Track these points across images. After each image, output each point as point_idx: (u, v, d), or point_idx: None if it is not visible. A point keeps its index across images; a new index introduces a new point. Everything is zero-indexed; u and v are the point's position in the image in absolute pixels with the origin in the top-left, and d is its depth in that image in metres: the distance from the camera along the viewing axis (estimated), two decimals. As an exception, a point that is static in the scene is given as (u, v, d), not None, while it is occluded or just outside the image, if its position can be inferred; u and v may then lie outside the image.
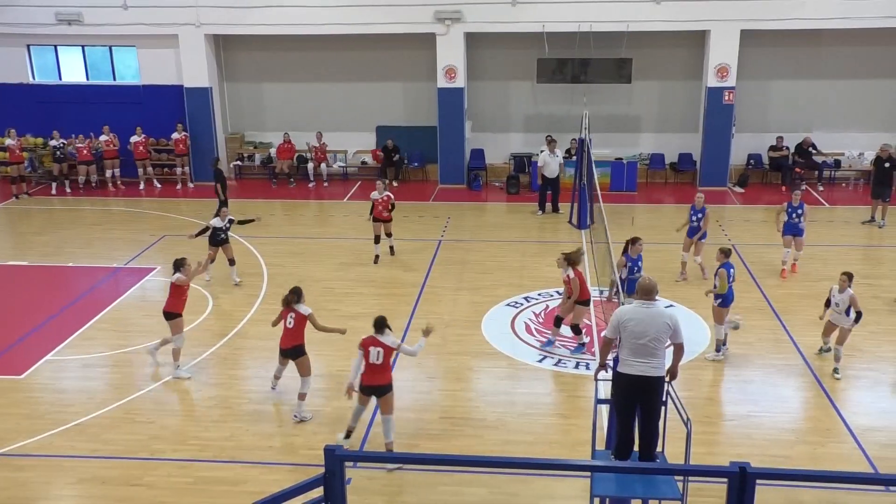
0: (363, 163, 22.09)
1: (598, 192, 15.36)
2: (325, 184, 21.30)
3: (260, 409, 10.14)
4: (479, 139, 21.47)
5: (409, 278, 14.48)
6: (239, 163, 22.26)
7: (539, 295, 13.55)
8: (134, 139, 20.75)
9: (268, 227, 17.94)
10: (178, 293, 10.74)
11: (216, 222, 13.24)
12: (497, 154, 21.57)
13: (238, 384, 10.88)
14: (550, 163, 18.13)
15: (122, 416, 10.02)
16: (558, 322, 11.60)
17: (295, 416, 9.95)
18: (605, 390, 8.40)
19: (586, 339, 11.68)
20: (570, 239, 16.71)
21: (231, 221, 13.73)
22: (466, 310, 12.94)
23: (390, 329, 9.08)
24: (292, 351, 10.01)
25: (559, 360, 11.30)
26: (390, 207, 14.99)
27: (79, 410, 10.15)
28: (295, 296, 10.02)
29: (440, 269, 14.93)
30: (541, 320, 12.56)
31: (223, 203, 17.71)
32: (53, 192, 20.51)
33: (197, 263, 11.27)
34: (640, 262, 11.72)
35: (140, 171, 20.98)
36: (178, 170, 20.82)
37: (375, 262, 14.49)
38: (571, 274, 11.12)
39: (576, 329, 11.54)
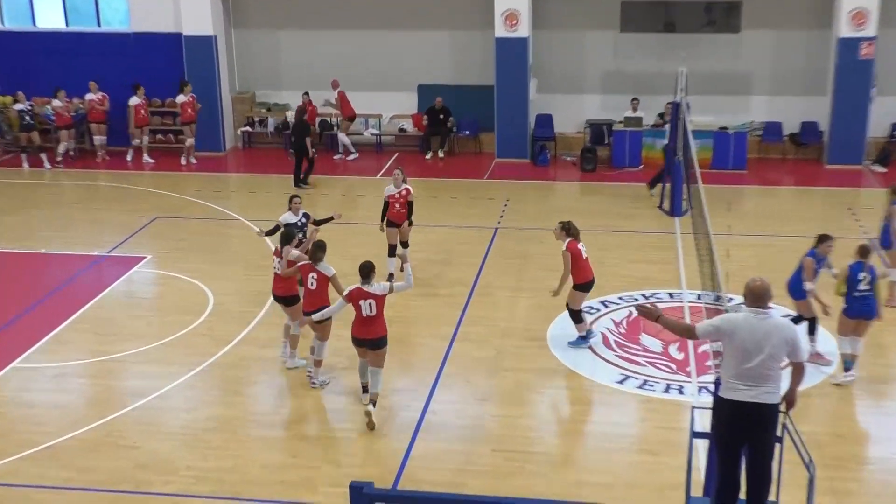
0: (401, 130, 22.13)
1: (697, 169, 15.14)
2: (352, 156, 21.36)
3: (270, 435, 10.19)
4: (547, 102, 21.38)
5: (456, 275, 14.45)
6: (248, 129, 22.50)
7: (620, 298, 13.43)
8: (134, 101, 20.96)
9: (282, 207, 17.97)
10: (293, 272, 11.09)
11: (287, 217, 12.43)
12: (569, 121, 21.47)
13: (243, 402, 10.96)
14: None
15: (103, 439, 10.15)
16: (575, 315, 11.87)
17: (313, 383, 10.89)
18: (705, 422, 8.23)
19: (595, 335, 11.97)
20: (660, 228, 16.56)
21: (307, 217, 12.69)
22: (528, 316, 12.85)
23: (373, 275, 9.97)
24: (314, 314, 10.54)
25: (645, 382, 11.17)
26: (407, 207, 13.78)
27: (51, 430, 10.30)
28: (320, 252, 10.55)
29: (496, 264, 14.89)
30: (622, 331, 12.43)
31: (310, 165, 18.68)
32: (25, 165, 20.87)
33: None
34: (825, 264, 11.31)
35: (137, 140, 21.23)
36: (189, 140, 20.97)
37: (389, 279, 13.92)
38: (564, 247, 11.52)
39: (575, 316, 11.76)
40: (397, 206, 13.78)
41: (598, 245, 15.67)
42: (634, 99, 20.63)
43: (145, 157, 21.08)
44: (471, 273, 14.46)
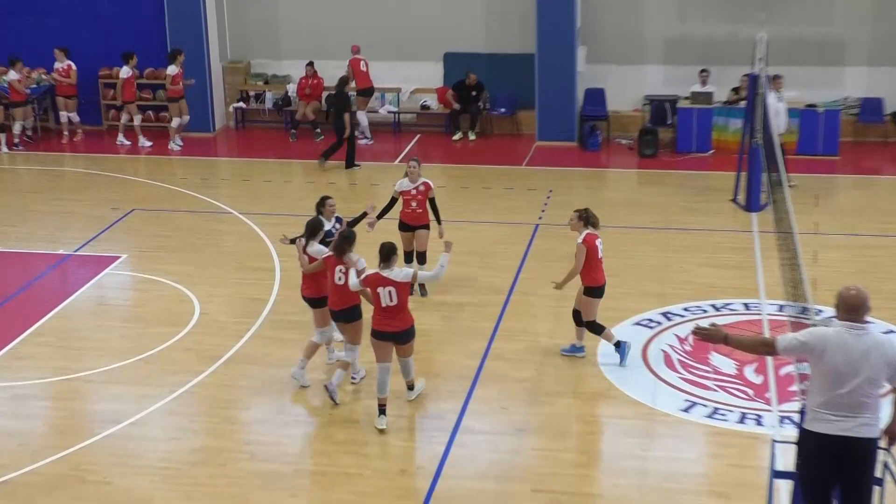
0: (424, 107, 22.15)
1: (780, 155, 15.04)
2: (366, 140, 21.41)
3: (266, 470, 10.22)
4: (599, 74, 21.34)
5: (488, 281, 14.46)
6: (242, 105, 22.61)
7: (686, 310, 13.38)
8: (125, 73, 21.02)
9: (281, 198, 18.28)
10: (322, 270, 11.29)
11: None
12: (624, 97, 21.44)
13: (235, 431, 10.99)
14: (781, 110, 17.72)
15: (68, 473, 10.19)
16: (578, 319, 11.98)
17: (352, 379, 11.46)
18: (788, 459, 8.16)
19: (623, 358, 11.94)
20: (734, 225, 16.50)
21: (339, 221, 12.40)
22: (574, 330, 12.82)
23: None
24: (344, 314, 11.02)
25: (715, 410, 11.11)
26: (429, 206, 13.49)
27: (6, 463, 10.36)
28: (347, 243, 10.86)
29: (536, 267, 14.87)
30: (688, 348, 12.38)
31: (336, 145, 19.21)
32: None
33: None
34: None
35: (127, 117, 21.36)
36: (177, 120, 21.08)
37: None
38: (580, 240, 11.61)
39: (594, 327, 11.88)
40: (413, 204, 13.46)
41: (659, 246, 15.63)
42: (703, 70, 20.52)
43: (141, 139, 21.20)
44: (506, 279, 14.43)
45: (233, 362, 12.24)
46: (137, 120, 21.29)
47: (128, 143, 21.29)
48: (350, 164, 19.63)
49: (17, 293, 14.35)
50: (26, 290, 14.45)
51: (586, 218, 11.78)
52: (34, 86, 21.56)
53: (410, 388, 11.15)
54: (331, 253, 11.08)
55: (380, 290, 10.45)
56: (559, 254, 15.28)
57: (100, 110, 22.29)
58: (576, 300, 12.11)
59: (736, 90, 20.15)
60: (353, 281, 10.73)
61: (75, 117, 21.67)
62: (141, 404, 11.28)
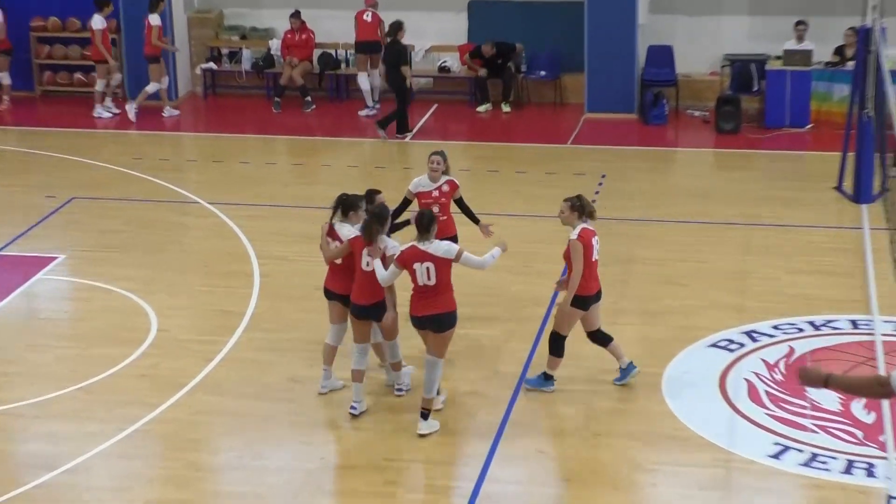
0: (443, 69, 22.12)
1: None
2: (371, 111, 21.39)
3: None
4: (665, 27, 21.42)
5: (524, 289, 14.44)
6: (212, 66, 22.64)
7: (776, 328, 13.34)
8: (99, 24, 21.05)
9: (262, 184, 18.29)
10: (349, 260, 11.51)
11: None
12: (698, 56, 21.53)
13: (201, 480, 10.97)
14: None
15: (-13, 534, 10.22)
16: (600, 337, 12.10)
17: (398, 390, 11.86)
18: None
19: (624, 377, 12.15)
20: (839, 220, 16.49)
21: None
22: (633, 351, 12.75)
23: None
24: (372, 309, 11.29)
25: (814, 457, 11.04)
26: (460, 208, 13.24)
27: None
28: (378, 222, 11.13)
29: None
30: (779, 377, 12.30)
31: (400, 108, 19.58)
32: None
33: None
34: None
35: (102, 83, 21.55)
36: (154, 86, 21.24)
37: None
38: (575, 235, 11.63)
39: (556, 344, 11.95)
40: (435, 209, 12.47)
41: (740, 246, 15.57)
42: (800, 23, 20.45)
43: (129, 108, 21.37)
44: (546, 288, 14.33)
45: (199, 392, 12.19)
46: (116, 80, 21.55)
47: (108, 114, 21.47)
48: (402, 129, 19.94)
49: (-73, 303, 14.43)
50: (-62, 300, 14.52)
51: (580, 208, 11.73)
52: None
53: (425, 415, 11.33)
54: (358, 234, 11.28)
55: (416, 266, 10.85)
56: (613, 255, 15.20)
57: (31, 72, 22.34)
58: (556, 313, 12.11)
59: (840, 49, 20.04)
60: (382, 274, 11.00)
61: (6, 78, 21.75)
62: (82, 445, 11.24)
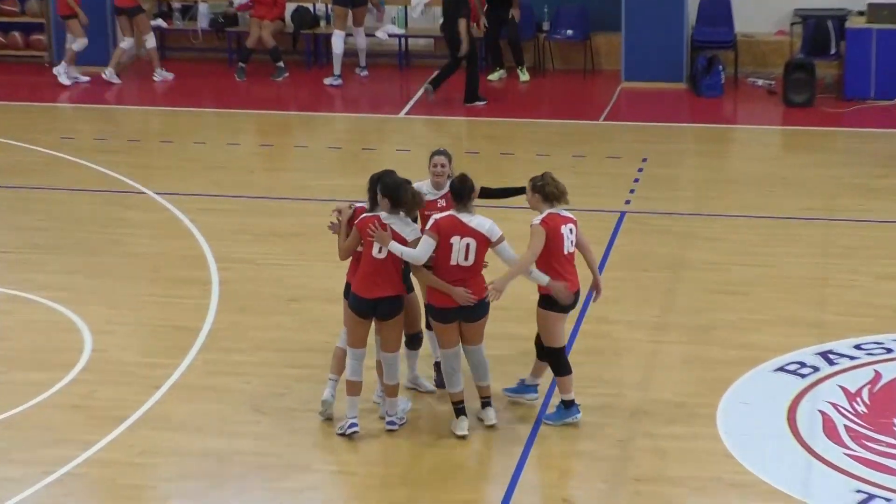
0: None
1: None
2: (336, 80, 21.44)
3: None
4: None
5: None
6: (161, 23, 22.64)
7: (858, 348, 13.34)
8: None
9: (222, 170, 18.29)
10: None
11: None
12: (761, 13, 21.65)
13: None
14: None
15: None
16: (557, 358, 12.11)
17: (391, 423, 11.79)
18: None
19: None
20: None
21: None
22: (681, 378, 12.81)
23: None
24: (384, 304, 11.46)
25: (905, 507, 11.02)
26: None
27: None
28: (393, 197, 11.34)
29: (622, 279, 14.97)
30: (861, 408, 12.29)
31: (471, 71, 20.01)
32: None
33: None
34: None
35: (80, 40, 21.73)
36: (80, 43, 21.37)
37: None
38: (537, 220, 11.73)
39: (558, 362, 12.02)
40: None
41: (815, 246, 15.59)
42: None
43: (109, 73, 21.64)
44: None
45: (143, 427, 12.13)
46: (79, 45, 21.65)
47: (84, 78, 21.62)
48: (471, 97, 20.21)
49: None
50: None
51: (542, 189, 11.82)
52: None
53: (487, 402, 11.82)
54: (370, 214, 11.47)
55: (454, 240, 11.21)
56: (657, 258, 15.28)
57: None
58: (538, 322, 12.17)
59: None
60: (412, 251, 11.29)
61: None
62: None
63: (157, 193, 17.31)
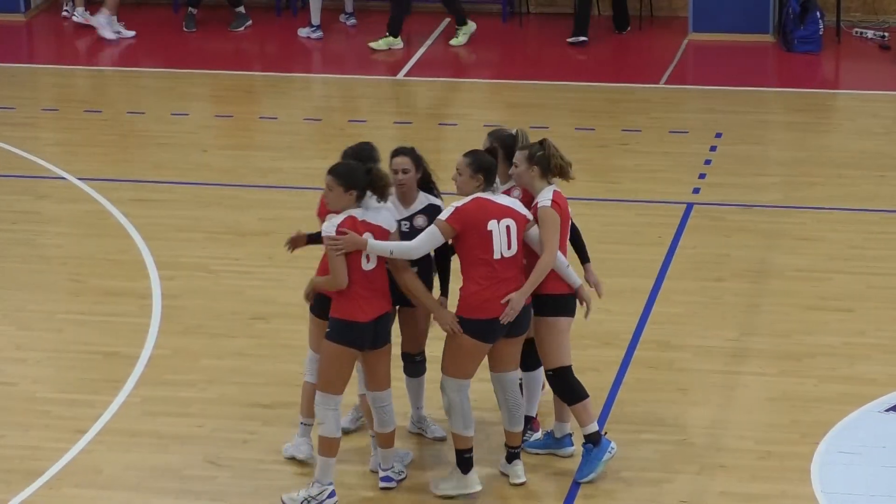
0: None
1: None
2: (315, 32, 21.56)
3: None
4: None
5: (597, 306, 14.53)
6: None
7: None
8: None
9: (166, 150, 18.30)
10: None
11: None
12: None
13: None
14: None
15: None
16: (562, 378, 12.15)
17: (386, 479, 11.85)
18: None
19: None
20: None
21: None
22: (767, 419, 12.92)
23: None
24: (382, 323, 11.63)
25: None
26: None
27: None
28: (346, 184, 11.46)
29: (689, 288, 15.17)
30: None
31: None
32: None
33: None
34: None
35: None
36: None
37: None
38: (547, 201, 11.85)
39: (563, 385, 12.09)
40: None
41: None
42: None
43: (98, 20, 21.78)
44: (626, 315, 14.62)
45: (65, 484, 12.17)
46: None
47: (129, 33, 21.84)
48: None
49: None
50: None
51: (544, 160, 11.92)
52: None
53: (514, 454, 11.86)
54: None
55: (492, 225, 11.33)
56: (739, 263, 15.36)
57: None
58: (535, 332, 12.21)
59: None
60: (408, 244, 11.56)
61: None
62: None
63: (80, 179, 17.34)
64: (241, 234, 15.85)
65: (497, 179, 11.64)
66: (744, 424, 12.73)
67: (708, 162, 17.59)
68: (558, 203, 11.78)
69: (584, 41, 20.97)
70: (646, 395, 13.29)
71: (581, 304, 11.88)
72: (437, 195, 12.17)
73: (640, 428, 12.75)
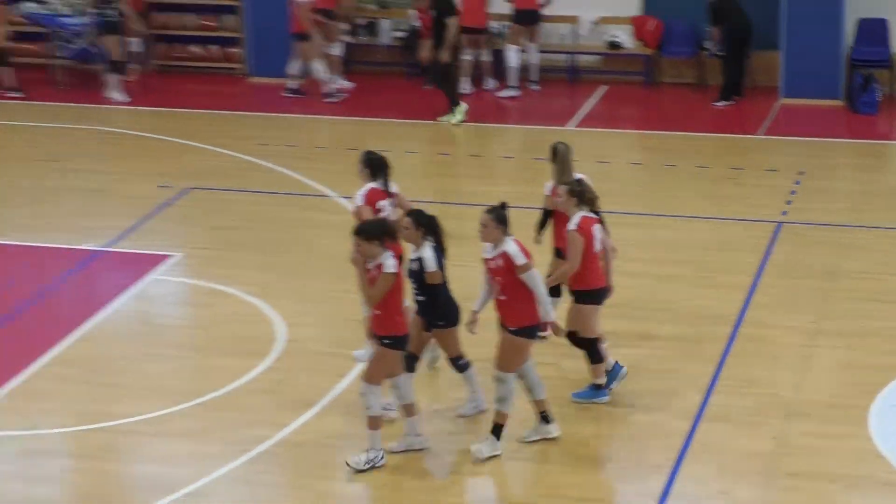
0: (614, 45, 22.20)
1: None
2: (514, 91, 21.47)
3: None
4: (878, -2, 21.22)
5: (706, 304, 14.49)
6: (347, 39, 22.80)
7: None
8: None
9: (398, 176, 18.29)
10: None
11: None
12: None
13: (333, 511, 11.17)
14: None
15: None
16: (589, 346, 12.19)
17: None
18: None
19: (609, 383, 12.32)
20: None
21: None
22: (835, 379, 12.76)
23: None
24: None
25: None
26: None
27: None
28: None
29: (778, 286, 14.91)
30: None
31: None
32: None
33: None
34: None
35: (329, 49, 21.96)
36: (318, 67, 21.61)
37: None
38: (573, 225, 11.81)
39: (583, 344, 12.12)
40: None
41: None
42: None
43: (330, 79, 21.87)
44: (732, 303, 14.44)
45: (331, 413, 12.30)
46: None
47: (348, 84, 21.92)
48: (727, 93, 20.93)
49: (29, 305, 14.82)
50: (40, 302, 14.95)
51: (580, 194, 11.97)
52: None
53: (547, 416, 11.68)
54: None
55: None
56: (812, 267, 15.20)
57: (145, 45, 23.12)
58: (568, 317, 12.19)
59: None
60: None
61: (138, 46, 22.42)
62: (201, 467, 11.47)
63: (344, 197, 17.40)
64: (458, 238, 15.62)
65: None
66: (818, 383, 12.67)
67: (793, 192, 17.45)
68: (582, 227, 11.83)
69: (730, 104, 20.83)
70: (747, 360, 13.25)
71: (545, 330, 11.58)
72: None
73: (743, 384, 12.71)
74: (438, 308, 11.56)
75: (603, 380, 12.25)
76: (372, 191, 12.75)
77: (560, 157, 12.98)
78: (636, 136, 19.87)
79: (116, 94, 21.56)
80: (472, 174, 18.72)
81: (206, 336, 14.11)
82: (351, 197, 13.28)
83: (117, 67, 21.65)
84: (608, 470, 11.49)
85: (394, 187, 12.96)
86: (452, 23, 19.85)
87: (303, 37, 21.43)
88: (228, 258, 15.90)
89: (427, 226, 11.51)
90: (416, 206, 12.28)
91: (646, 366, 13.08)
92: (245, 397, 12.72)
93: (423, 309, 11.60)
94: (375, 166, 12.89)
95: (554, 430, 11.53)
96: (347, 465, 11.15)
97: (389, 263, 10.92)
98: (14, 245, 16.54)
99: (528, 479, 11.31)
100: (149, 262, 15.73)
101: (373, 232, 10.99)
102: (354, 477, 11.20)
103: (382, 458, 11.19)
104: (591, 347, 12.14)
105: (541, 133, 19.95)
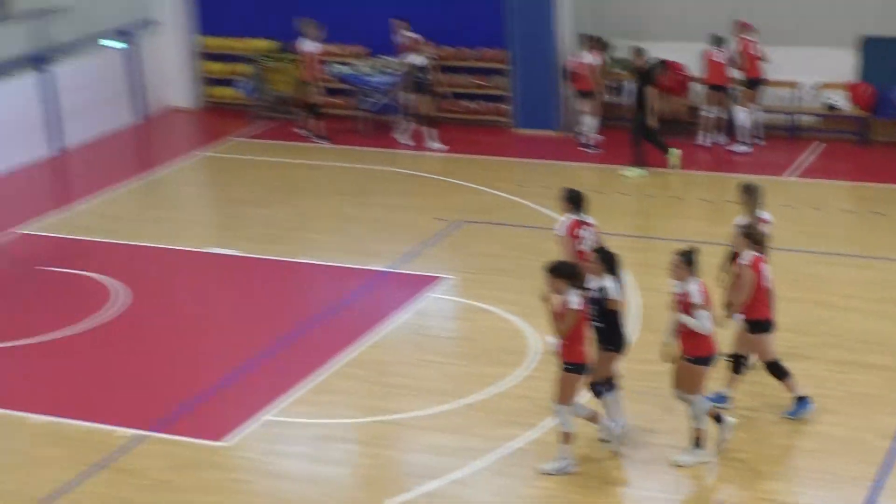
0: (831, 107, 21.86)
1: None
2: (747, 148, 21.33)
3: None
4: None
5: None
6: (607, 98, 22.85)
7: None
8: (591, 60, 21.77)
9: (636, 215, 18.53)
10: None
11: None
12: None
13: None
14: None
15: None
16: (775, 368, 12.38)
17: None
18: None
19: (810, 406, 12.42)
20: None
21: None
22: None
23: None
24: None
25: None
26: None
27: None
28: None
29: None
30: None
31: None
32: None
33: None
34: None
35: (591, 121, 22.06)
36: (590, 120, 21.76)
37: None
38: (747, 261, 11.98)
39: (776, 370, 12.30)
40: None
41: None
42: None
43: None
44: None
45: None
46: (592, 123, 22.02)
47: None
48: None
49: (325, 314, 15.57)
50: (335, 312, 15.65)
51: (752, 235, 12.20)
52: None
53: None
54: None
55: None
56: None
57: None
58: (736, 342, 12.47)
59: None
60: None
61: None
62: (464, 458, 11.99)
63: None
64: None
65: None
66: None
67: None
68: (753, 265, 11.98)
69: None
70: None
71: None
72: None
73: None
74: (613, 334, 11.85)
75: (800, 391, 12.41)
76: (574, 222, 13.23)
77: (750, 194, 13.20)
78: (850, 188, 19.47)
79: (432, 144, 22.20)
80: (700, 216, 18.55)
81: (470, 346, 14.62)
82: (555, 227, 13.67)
83: (428, 121, 22.27)
84: (809, 488, 11.40)
85: (590, 219, 13.39)
86: (649, 91, 19.96)
87: (587, 94, 21.71)
88: (492, 281, 16.33)
89: (606, 261, 11.80)
90: (644, 243, 12.44)
91: (851, 388, 13.07)
92: (502, 400, 13.17)
93: (600, 334, 11.86)
94: (575, 200, 13.36)
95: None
96: (543, 470, 11.59)
97: (574, 301, 11.29)
98: (318, 264, 17.23)
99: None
100: (426, 283, 16.30)
101: (563, 271, 11.41)
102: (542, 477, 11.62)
103: (571, 467, 11.62)
104: (771, 369, 12.40)
105: (759, 181, 19.68)
